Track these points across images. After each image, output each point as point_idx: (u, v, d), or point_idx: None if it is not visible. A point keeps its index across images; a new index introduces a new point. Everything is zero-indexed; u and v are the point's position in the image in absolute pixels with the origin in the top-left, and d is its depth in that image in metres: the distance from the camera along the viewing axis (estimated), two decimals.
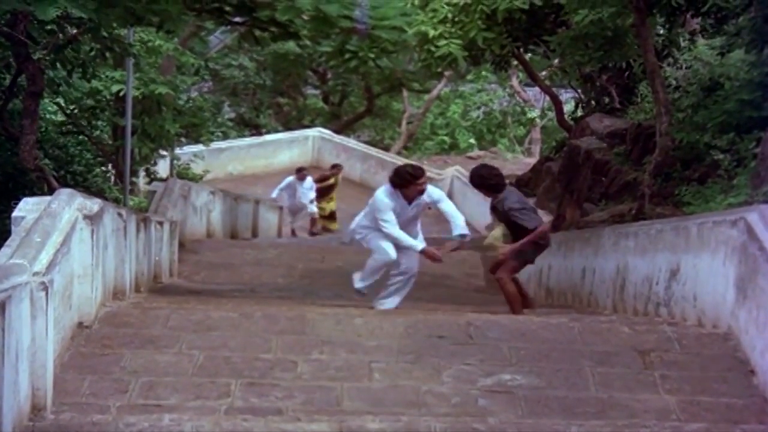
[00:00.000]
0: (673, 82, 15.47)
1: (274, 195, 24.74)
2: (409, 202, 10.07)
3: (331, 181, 24.82)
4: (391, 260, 10.15)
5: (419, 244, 10.11)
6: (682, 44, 17.02)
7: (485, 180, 10.21)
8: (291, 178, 24.36)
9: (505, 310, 10.09)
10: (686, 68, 15.88)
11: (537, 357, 7.84)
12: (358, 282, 10.55)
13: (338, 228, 24.06)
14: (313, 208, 24.29)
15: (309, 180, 24.27)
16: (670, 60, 16.54)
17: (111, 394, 7.06)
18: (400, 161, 33.68)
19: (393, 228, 9.95)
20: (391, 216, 9.95)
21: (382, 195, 10.05)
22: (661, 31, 17.02)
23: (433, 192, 10.19)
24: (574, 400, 7.28)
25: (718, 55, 15.00)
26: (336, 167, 25.67)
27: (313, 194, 24.19)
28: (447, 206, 10.27)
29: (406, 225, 10.12)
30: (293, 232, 24.54)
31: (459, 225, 10.10)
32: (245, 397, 7.12)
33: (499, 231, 10.39)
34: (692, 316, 8.85)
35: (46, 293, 6.60)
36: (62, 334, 7.38)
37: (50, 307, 6.70)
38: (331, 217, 24.88)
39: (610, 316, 10.13)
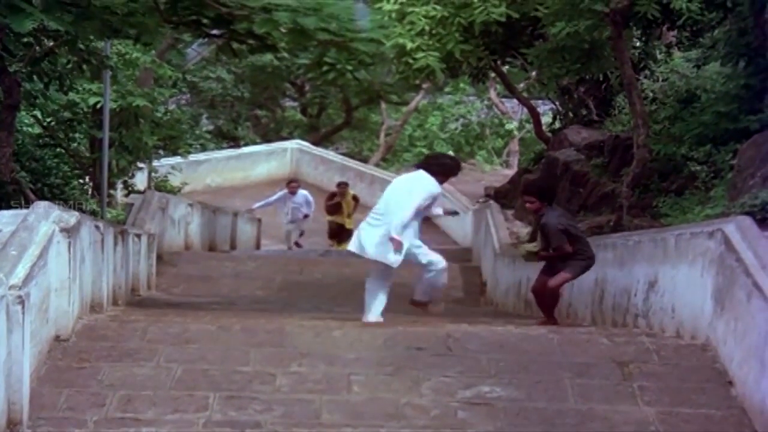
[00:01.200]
0: (650, 94, 15.59)
1: (255, 206, 24.04)
2: None
3: (336, 199, 23.08)
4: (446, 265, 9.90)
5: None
6: (659, 57, 17.14)
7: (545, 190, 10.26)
8: (282, 192, 23.52)
9: (484, 321, 10.10)
10: (663, 80, 16.01)
11: (516, 369, 7.84)
12: (437, 307, 10.10)
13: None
14: (302, 225, 23.42)
15: (301, 194, 23.21)
16: (647, 72, 16.67)
17: (88, 408, 7.01)
18: (379, 173, 33.79)
19: (407, 219, 9.47)
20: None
21: (433, 182, 9.65)
22: (638, 44, 17.13)
23: None
24: (554, 411, 7.28)
25: (694, 68, 15.15)
26: (341, 185, 23.71)
27: (306, 210, 23.14)
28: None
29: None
30: (290, 249, 23.60)
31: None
32: (224, 410, 7.09)
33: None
34: (670, 327, 8.87)
35: (23, 307, 6.55)
36: (39, 348, 7.33)
37: (26, 320, 6.65)
38: (341, 235, 22.75)
39: (589, 327, 10.15)
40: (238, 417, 7.02)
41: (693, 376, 7.77)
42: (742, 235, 7.76)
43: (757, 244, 7.65)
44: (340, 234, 22.82)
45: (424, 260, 9.77)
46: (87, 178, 16.56)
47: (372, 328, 8.80)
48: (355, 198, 23.32)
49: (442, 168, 9.81)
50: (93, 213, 14.19)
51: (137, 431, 6.73)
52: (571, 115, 21.04)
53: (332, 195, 23.30)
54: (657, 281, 9.28)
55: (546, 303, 10.28)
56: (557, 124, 22.10)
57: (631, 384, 7.66)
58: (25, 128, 15.88)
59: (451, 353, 8.09)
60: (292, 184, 23.83)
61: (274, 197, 23.70)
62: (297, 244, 23.62)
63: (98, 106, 15.69)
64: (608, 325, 10.21)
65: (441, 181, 9.76)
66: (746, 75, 12.67)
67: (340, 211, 22.88)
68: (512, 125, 39.26)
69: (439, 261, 9.83)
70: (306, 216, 23.35)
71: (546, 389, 7.55)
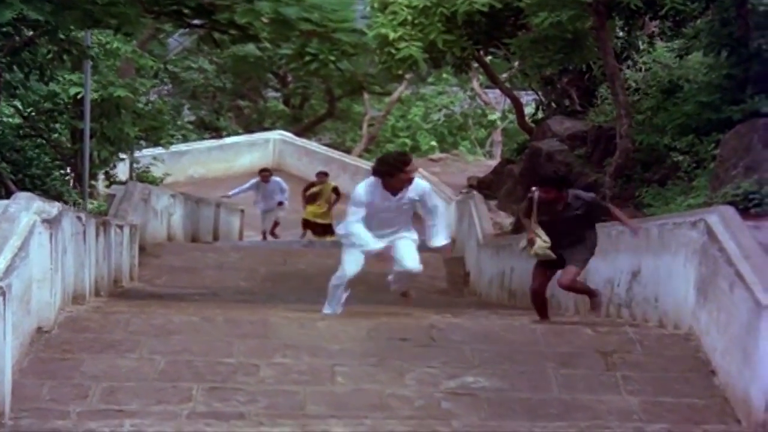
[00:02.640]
0: (633, 85, 15.60)
1: (231, 193, 23.87)
2: (394, 194, 9.28)
3: (314, 189, 22.74)
4: (347, 278, 9.58)
5: (376, 245, 9.23)
6: (641, 47, 17.16)
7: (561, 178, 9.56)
8: (255, 180, 23.47)
9: (467, 312, 10.11)
10: (645, 71, 16.02)
11: (500, 359, 7.85)
12: (326, 308, 9.72)
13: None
14: (278, 213, 23.37)
15: (274, 181, 23.15)
16: (630, 62, 16.67)
17: (71, 400, 6.99)
18: (363, 164, 33.72)
19: (355, 224, 9.23)
20: (358, 211, 9.24)
21: (360, 187, 9.34)
22: (620, 34, 17.14)
23: (420, 185, 9.42)
24: (538, 401, 7.30)
25: (676, 58, 15.16)
26: (320, 175, 23.38)
27: (280, 197, 23.02)
28: (432, 206, 9.61)
29: (391, 221, 9.39)
30: (263, 235, 23.60)
31: (440, 234, 9.61)
32: (207, 401, 7.07)
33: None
34: (654, 317, 8.91)
35: (4, 298, 6.52)
36: (21, 340, 7.29)
37: (8, 312, 6.62)
38: (324, 231, 22.54)
39: (573, 317, 10.17)
40: (221, 408, 7.00)
41: (676, 365, 7.81)
42: (725, 225, 7.79)
43: (739, 234, 7.69)
44: (316, 229, 22.70)
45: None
46: (68, 169, 16.47)
47: (356, 319, 8.79)
48: (336, 191, 23.14)
49: (378, 167, 9.48)
50: (75, 204, 14.12)
51: (120, 423, 6.70)
52: (553, 105, 21.04)
53: (311, 185, 23.16)
54: (640, 271, 9.30)
55: (540, 303, 9.65)
56: (540, 115, 22.10)
57: (615, 374, 7.69)
58: (5, 119, 15.80)
59: (435, 344, 8.10)
60: (264, 172, 23.71)
61: (247, 185, 23.65)
62: (273, 234, 23.49)
63: (79, 96, 15.60)
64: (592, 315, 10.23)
65: (387, 183, 9.27)
66: (729, 65, 12.68)
67: (317, 202, 22.70)
68: (495, 116, 39.23)
69: (340, 270, 9.67)
70: (281, 203, 23.25)
71: (530, 379, 7.57)
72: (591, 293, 9.60)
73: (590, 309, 9.72)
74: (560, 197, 9.23)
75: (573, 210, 9.24)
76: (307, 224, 22.97)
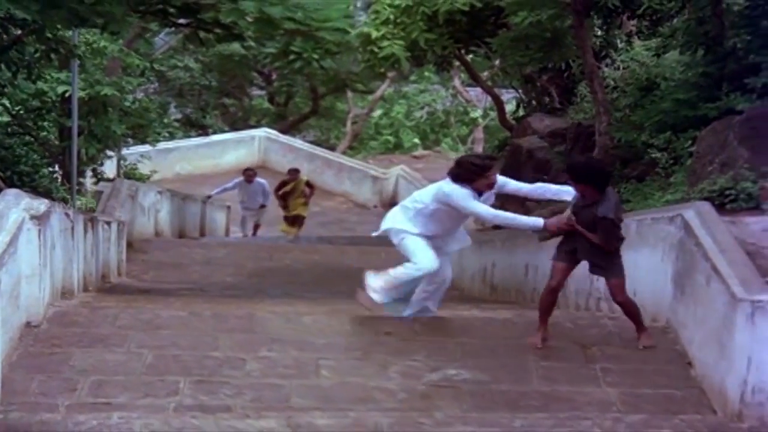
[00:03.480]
0: (611, 83, 15.73)
1: (213, 193, 23.90)
2: (480, 194, 8.50)
3: (287, 188, 22.73)
4: (433, 271, 8.53)
5: (538, 220, 8.37)
6: (620, 45, 17.29)
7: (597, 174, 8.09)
8: (239, 179, 23.43)
9: (450, 306, 10.23)
10: (624, 69, 16.15)
11: (482, 352, 7.96)
12: (376, 294, 8.59)
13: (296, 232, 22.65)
14: (260, 216, 23.42)
15: (258, 182, 23.12)
16: (608, 61, 16.80)
17: (60, 393, 7.07)
18: (346, 161, 33.84)
19: (492, 212, 8.42)
20: (477, 203, 8.39)
21: (456, 188, 8.40)
22: (599, 33, 17.27)
23: (498, 182, 8.64)
24: (518, 393, 7.41)
25: (654, 56, 15.29)
26: (291, 172, 23.32)
27: (262, 200, 23.07)
28: (520, 186, 9.00)
29: (455, 225, 8.81)
30: (246, 234, 23.63)
31: (562, 189, 8.72)
32: (194, 394, 7.16)
33: None
34: None
35: None
36: (10, 334, 7.37)
37: None
38: (293, 221, 22.80)
39: (553, 311, 10.29)
40: (208, 401, 7.09)
41: (654, 358, 7.92)
42: (702, 220, 7.93)
43: (715, 228, 7.83)
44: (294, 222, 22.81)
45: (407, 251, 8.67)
46: (57, 167, 16.50)
47: (341, 314, 8.90)
48: (309, 184, 23.17)
49: (457, 171, 8.56)
50: (63, 201, 14.18)
51: (108, 416, 6.77)
52: (534, 103, 21.12)
53: (283, 183, 23.17)
54: None
55: (549, 304, 8.31)
56: (521, 112, 22.18)
57: (594, 366, 7.80)
58: None
59: (418, 338, 8.20)
60: (248, 171, 23.68)
61: (231, 183, 23.60)
62: (253, 233, 23.53)
63: (67, 94, 15.64)
64: (572, 308, 10.36)
65: (475, 188, 8.47)
66: (704, 63, 12.81)
67: (293, 197, 22.75)
68: (477, 113, 39.35)
69: (420, 258, 8.50)
70: (263, 206, 23.26)
71: (511, 372, 7.68)
72: (641, 325, 8.23)
73: (642, 342, 8.17)
74: (591, 193, 8.00)
75: (591, 212, 7.95)
76: (293, 219, 22.95)
